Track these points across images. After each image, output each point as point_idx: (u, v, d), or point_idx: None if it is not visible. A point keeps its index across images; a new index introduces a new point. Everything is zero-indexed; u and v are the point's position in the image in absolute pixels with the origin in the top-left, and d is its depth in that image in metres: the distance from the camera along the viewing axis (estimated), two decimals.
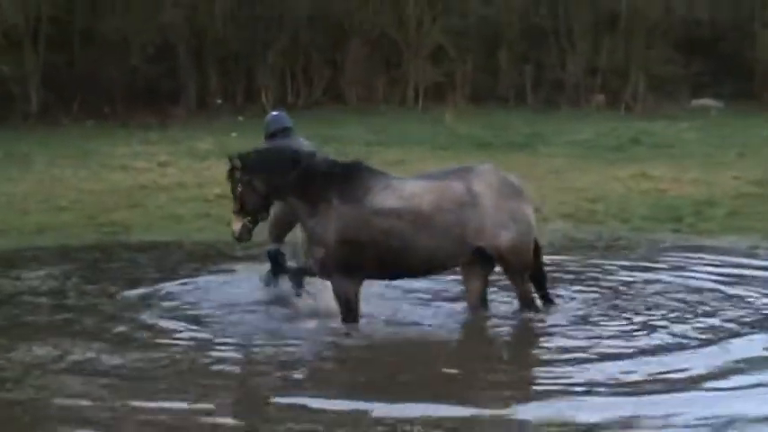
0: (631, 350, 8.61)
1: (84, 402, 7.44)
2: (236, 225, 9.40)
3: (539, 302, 9.77)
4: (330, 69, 28.49)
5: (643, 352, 8.53)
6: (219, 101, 27.58)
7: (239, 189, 9.36)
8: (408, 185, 9.43)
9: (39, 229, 14.04)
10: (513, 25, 29.37)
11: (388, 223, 9.21)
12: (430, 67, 28.60)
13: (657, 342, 8.79)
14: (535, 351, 9.00)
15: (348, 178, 9.34)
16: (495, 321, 9.65)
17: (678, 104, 28.81)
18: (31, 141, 21.14)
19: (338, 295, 9.40)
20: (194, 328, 9.43)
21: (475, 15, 28.92)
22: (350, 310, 9.38)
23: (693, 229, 14.60)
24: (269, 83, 27.84)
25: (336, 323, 9.37)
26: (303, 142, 10.72)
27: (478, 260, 9.47)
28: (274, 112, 11.49)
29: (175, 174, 17.64)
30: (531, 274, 9.68)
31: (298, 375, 8.23)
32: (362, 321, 9.42)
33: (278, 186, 9.32)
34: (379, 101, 28.33)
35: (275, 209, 10.15)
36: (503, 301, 10.07)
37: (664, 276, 11.53)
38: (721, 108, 28.50)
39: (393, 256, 9.28)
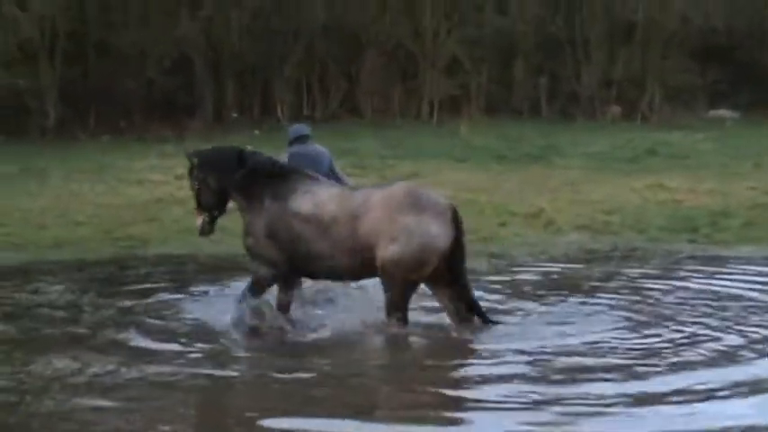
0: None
1: (105, 416, 7.52)
2: (198, 220, 10.16)
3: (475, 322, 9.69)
4: (346, 81, 28.60)
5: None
6: (235, 114, 27.70)
7: (196, 186, 10.10)
8: (323, 193, 9.79)
9: (56, 243, 14.16)
10: (529, 36, 29.41)
11: (300, 227, 9.66)
12: (445, 79, 28.68)
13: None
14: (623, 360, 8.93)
15: (282, 179, 9.86)
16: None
17: (694, 115, 28.83)
18: (47, 156, 21.29)
19: (254, 277, 9.92)
20: (206, 343, 9.52)
21: (490, 26, 28.99)
22: (256, 292, 9.86)
23: (709, 239, 14.65)
24: (285, 96, 27.97)
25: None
26: (318, 149, 11.36)
27: (440, 279, 9.57)
28: (296, 124, 12.45)
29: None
30: (460, 298, 9.65)
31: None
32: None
33: (227, 184, 9.92)
34: (395, 113, 28.42)
35: None
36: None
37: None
38: (737, 118, 28.51)
39: (301, 258, 9.72)
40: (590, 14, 29.35)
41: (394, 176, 19.23)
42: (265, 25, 27.80)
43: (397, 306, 9.49)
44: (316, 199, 9.71)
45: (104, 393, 7.98)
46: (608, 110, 29.06)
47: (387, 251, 9.34)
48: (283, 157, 11.18)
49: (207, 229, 10.17)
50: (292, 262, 9.77)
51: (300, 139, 11.61)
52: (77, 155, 21.79)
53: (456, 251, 9.47)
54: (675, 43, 29.51)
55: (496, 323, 9.76)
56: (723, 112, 28.97)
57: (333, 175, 11.22)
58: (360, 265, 9.56)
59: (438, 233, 9.34)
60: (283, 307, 10.11)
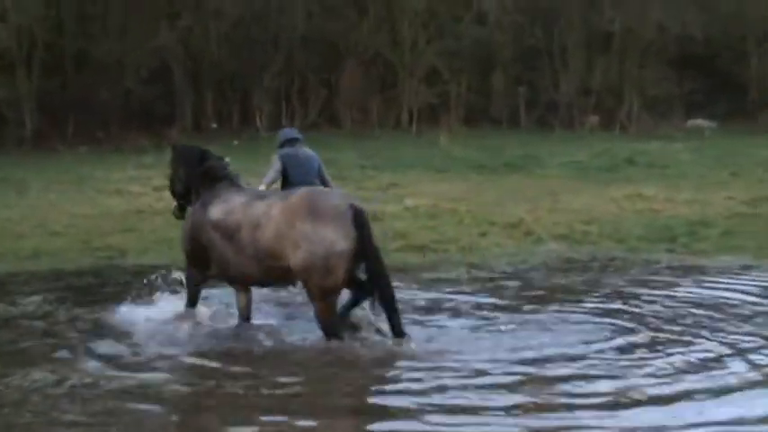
0: None
1: (84, 427, 7.49)
2: (173, 204, 11.00)
3: (386, 331, 9.60)
4: (325, 91, 28.63)
5: None
6: (215, 124, 27.69)
7: (170, 174, 10.95)
8: (235, 200, 10.05)
9: (34, 253, 14.09)
10: (507, 46, 29.50)
11: (212, 234, 10.00)
12: (424, 89, 28.75)
13: None
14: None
15: (214, 185, 10.31)
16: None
17: (672, 124, 28.98)
18: (25, 167, 21.22)
19: (186, 280, 10.46)
20: (184, 353, 9.51)
21: (469, 36, 29.06)
22: (189, 297, 10.37)
23: (688, 249, 14.69)
24: (264, 105, 27.98)
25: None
26: (308, 152, 11.74)
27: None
28: (287, 128, 13.22)
29: (170, 198, 17.66)
30: (379, 302, 9.56)
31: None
32: None
33: (189, 179, 10.53)
34: (374, 124, 28.46)
35: None
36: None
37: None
38: (715, 128, 28.66)
39: (216, 264, 10.05)
40: (567, 24, 29.48)
41: (373, 187, 19.34)
42: (245, 35, 27.81)
43: (326, 316, 9.50)
44: (227, 207, 10.00)
45: (83, 405, 7.96)
46: (586, 120, 29.17)
47: (293, 261, 9.41)
48: (274, 159, 11.55)
49: (177, 215, 10.92)
50: (213, 265, 10.07)
51: (290, 141, 11.89)
52: (55, 165, 21.73)
53: (364, 252, 9.39)
54: (653, 52, 29.69)
55: (404, 335, 9.57)
56: (701, 122, 29.14)
57: (322, 179, 11.55)
58: (265, 272, 9.70)
59: (336, 237, 9.29)
60: (241, 311, 10.30)
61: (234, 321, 10.33)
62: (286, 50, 28.12)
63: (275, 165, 11.84)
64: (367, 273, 9.53)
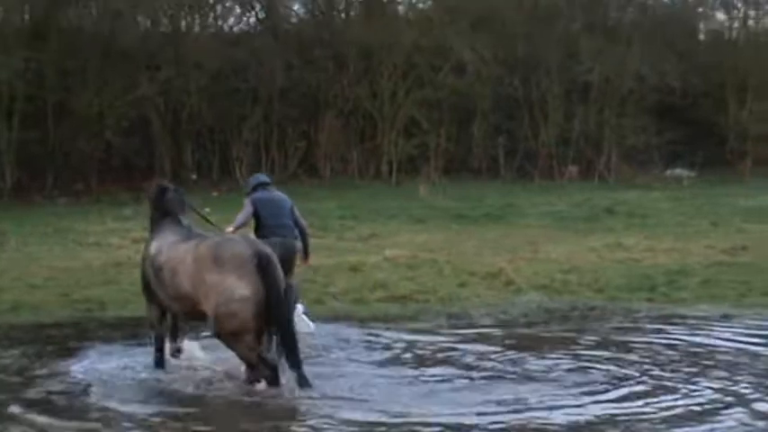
0: None
1: None
2: None
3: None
4: (305, 142, 28.74)
5: None
6: (194, 176, 27.73)
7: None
8: (166, 239, 10.39)
9: (13, 306, 14.05)
10: (486, 96, 29.69)
11: (147, 268, 10.48)
12: (403, 140, 28.90)
13: None
14: None
15: (163, 219, 10.74)
16: None
17: (651, 174, 29.16)
18: (5, 219, 21.18)
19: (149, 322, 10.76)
20: (170, 405, 9.52)
21: (447, 87, 29.26)
22: (153, 329, 10.64)
23: (667, 298, 14.77)
24: (243, 157, 28.06)
25: None
26: (280, 194, 12.46)
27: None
28: (256, 174, 13.58)
29: None
30: (281, 347, 9.84)
31: None
32: None
33: (152, 214, 10.96)
34: (354, 174, 28.57)
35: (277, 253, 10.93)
36: None
37: None
38: (694, 177, 28.87)
39: (156, 299, 10.38)
40: (546, 74, 29.71)
41: (353, 237, 19.41)
42: (224, 87, 27.95)
43: (246, 357, 9.73)
44: (159, 244, 10.39)
45: None
46: (565, 170, 29.34)
47: (206, 308, 9.68)
48: (246, 203, 12.13)
49: None
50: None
51: (262, 185, 12.50)
52: (35, 218, 21.73)
53: (267, 297, 9.56)
54: (631, 102, 29.93)
55: (308, 385, 9.68)
56: (680, 171, 29.35)
57: (293, 219, 12.26)
58: (190, 312, 10.06)
59: (238, 284, 9.51)
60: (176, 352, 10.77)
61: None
62: (265, 102, 28.27)
63: (246, 208, 12.39)
64: (271, 318, 9.67)
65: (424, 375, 10.53)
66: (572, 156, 29.71)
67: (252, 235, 12.00)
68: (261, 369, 9.70)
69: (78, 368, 10.74)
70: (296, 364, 9.73)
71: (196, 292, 9.76)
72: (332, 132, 28.75)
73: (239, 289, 9.52)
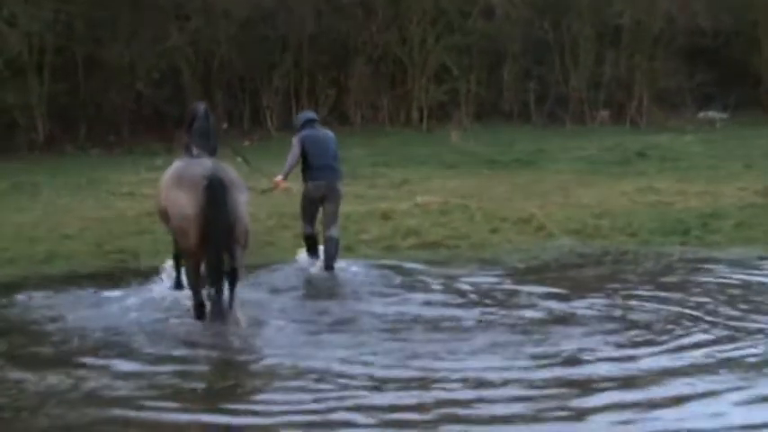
0: None
1: (102, 429, 7.53)
2: None
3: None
4: (335, 90, 28.61)
5: None
6: (225, 125, 27.69)
7: None
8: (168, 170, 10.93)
9: (47, 257, 14.14)
10: (516, 40, 29.44)
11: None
12: (434, 86, 28.73)
13: None
14: None
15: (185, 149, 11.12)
16: None
17: (683, 117, 28.89)
18: (38, 171, 21.28)
19: None
20: (200, 353, 9.57)
21: (477, 32, 29.01)
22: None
23: (701, 241, 14.68)
24: (274, 105, 27.99)
25: None
26: (327, 132, 13.35)
27: None
28: (304, 111, 14.58)
29: None
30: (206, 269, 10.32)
31: None
32: None
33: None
34: (384, 121, 28.46)
35: (303, 199, 12.97)
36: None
37: None
38: (726, 119, 28.58)
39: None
40: (577, 17, 29.39)
41: (385, 184, 19.36)
42: (253, 35, 27.82)
43: (187, 273, 10.62)
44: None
45: (101, 408, 7.99)
46: (597, 115, 29.11)
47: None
48: (294, 143, 12.78)
49: None
50: None
51: (310, 122, 13.09)
52: (67, 169, 21.79)
53: (210, 219, 10.13)
54: (662, 45, 29.58)
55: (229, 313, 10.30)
56: (712, 114, 29.03)
57: (337, 159, 13.10)
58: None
59: (187, 203, 10.21)
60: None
61: None
62: (295, 50, 28.14)
63: (294, 149, 12.72)
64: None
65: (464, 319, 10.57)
66: (603, 100, 29.44)
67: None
68: (192, 295, 10.39)
69: (115, 317, 10.81)
70: (229, 294, 10.35)
71: (165, 210, 10.57)
72: (362, 79, 28.61)
73: (186, 208, 10.21)
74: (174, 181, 10.50)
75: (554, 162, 21.89)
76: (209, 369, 9.16)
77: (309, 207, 13.18)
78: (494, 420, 7.64)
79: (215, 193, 10.16)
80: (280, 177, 13.12)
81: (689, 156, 22.34)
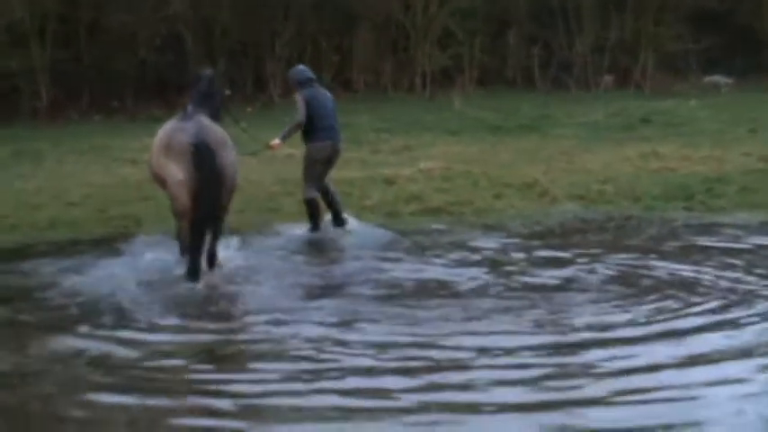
0: None
1: (107, 394, 7.56)
2: None
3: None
4: (338, 56, 28.50)
5: None
6: (228, 92, 27.54)
7: None
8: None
9: (50, 224, 14.15)
10: (521, 6, 29.29)
11: None
12: (437, 51, 28.61)
13: None
14: None
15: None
16: None
17: (688, 82, 28.77)
18: (41, 138, 21.26)
19: None
20: (206, 319, 9.59)
21: None
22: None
23: (705, 206, 14.65)
24: (277, 72, 27.89)
25: None
26: (326, 92, 13.22)
27: None
28: (299, 66, 13.84)
29: None
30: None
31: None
32: None
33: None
34: (387, 87, 28.36)
35: (307, 161, 13.00)
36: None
37: None
38: (732, 84, 28.45)
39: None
40: None
41: (388, 150, 19.32)
42: (256, 2, 27.69)
43: (181, 236, 10.92)
44: None
45: (106, 373, 8.01)
46: (601, 80, 28.99)
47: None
48: (298, 100, 12.76)
49: None
50: None
51: (310, 81, 12.99)
52: (70, 136, 21.76)
53: (200, 183, 10.49)
54: (668, 9, 29.41)
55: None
56: (717, 79, 28.90)
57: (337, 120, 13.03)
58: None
59: (177, 171, 10.55)
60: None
61: None
62: (298, 16, 28.01)
63: (301, 109, 12.53)
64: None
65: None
66: (607, 65, 29.32)
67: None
68: (185, 259, 10.71)
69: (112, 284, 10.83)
70: (210, 252, 10.84)
71: (158, 173, 10.88)
72: (365, 46, 28.49)
73: (178, 175, 10.55)
74: (162, 149, 10.75)
75: (558, 127, 21.83)
76: (206, 336, 9.12)
77: (314, 168, 13.05)
78: (499, 383, 7.60)
79: (202, 158, 10.51)
80: (277, 141, 13.09)
81: (693, 121, 22.25)
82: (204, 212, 10.59)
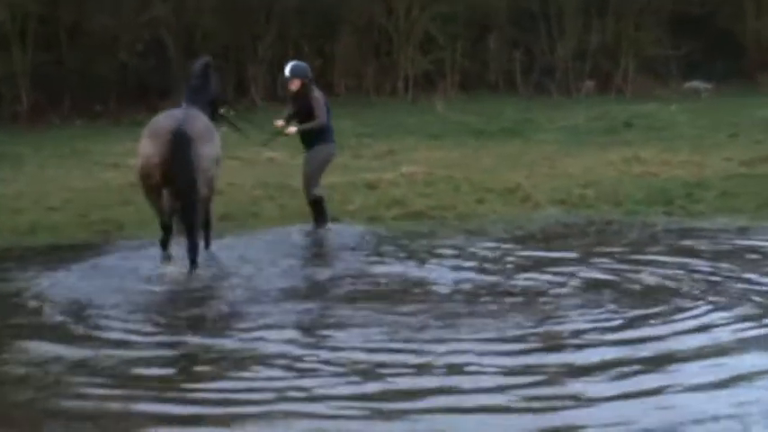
0: None
1: (87, 400, 7.53)
2: None
3: None
4: (320, 60, 28.47)
5: None
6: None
7: None
8: None
9: (31, 228, 14.06)
10: (502, 10, 29.33)
11: None
12: (419, 55, 28.62)
13: None
14: None
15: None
16: None
17: (669, 87, 28.86)
18: (22, 142, 21.17)
19: None
20: (183, 321, 9.56)
21: (463, 1, 28.88)
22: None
23: (685, 211, 14.68)
24: (259, 76, 27.85)
25: None
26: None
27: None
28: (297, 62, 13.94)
29: None
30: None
31: None
32: None
33: None
34: (369, 92, 28.35)
35: (320, 162, 13.29)
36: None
37: None
38: (712, 89, 28.56)
39: None
40: None
41: (370, 154, 19.32)
42: (238, 5, 27.65)
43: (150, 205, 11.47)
44: None
45: (86, 378, 7.97)
46: (582, 86, 29.05)
47: None
48: (319, 97, 13.15)
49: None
50: None
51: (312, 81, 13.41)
52: (52, 140, 21.69)
53: (172, 168, 10.95)
54: (649, 13, 29.50)
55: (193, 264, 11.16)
56: (698, 84, 29.00)
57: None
58: None
59: (152, 152, 11.03)
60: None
61: None
62: (280, 19, 27.98)
63: (323, 109, 13.10)
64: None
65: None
66: (589, 70, 29.39)
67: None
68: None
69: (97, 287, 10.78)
70: (190, 245, 11.11)
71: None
72: (347, 49, 28.47)
73: (153, 157, 11.01)
74: (146, 132, 11.24)
75: (540, 132, 21.88)
76: (186, 339, 9.09)
77: (322, 169, 13.50)
78: (481, 390, 7.60)
79: (177, 147, 10.93)
80: (293, 129, 13.29)
81: (675, 125, 22.34)
82: (184, 195, 11.07)
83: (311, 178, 13.37)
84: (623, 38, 29.41)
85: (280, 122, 13.51)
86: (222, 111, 12.79)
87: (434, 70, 28.79)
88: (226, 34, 27.59)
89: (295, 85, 13.44)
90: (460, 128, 22.48)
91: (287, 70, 13.53)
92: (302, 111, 13.35)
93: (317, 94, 13.24)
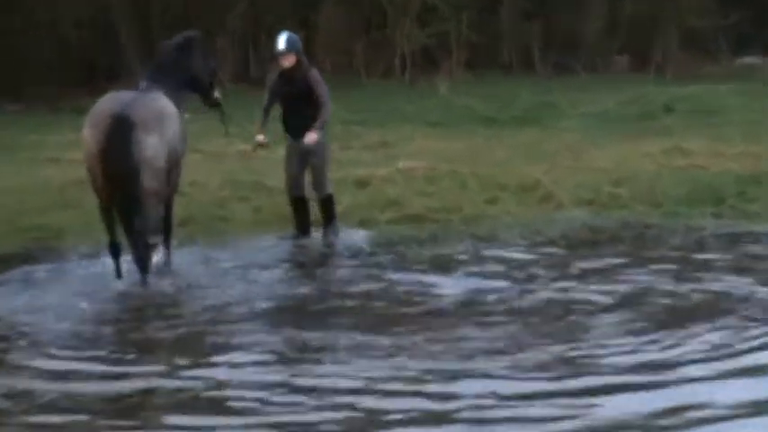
0: None
1: None
2: None
3: None
4: (302, 33, 28.44)
5: None
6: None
7: None
8: None
9: None
10: None
11: None
12: (419, 29, 28.66)
13: None
14: None
15: None
16: None
17: (718, 63, 28.95)
18: None
19: None
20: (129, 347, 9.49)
21: None
22: None
23: (738, 211, 14.67)
24: (228, 53, 27.83)
25: None
26: None
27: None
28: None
29: None
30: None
31: None
32: None
33: None
34: (360, 71, 28.37)
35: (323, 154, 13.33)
36: None
37: None
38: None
39: None
40: None
41: (360, 146, 19.30)
42: None
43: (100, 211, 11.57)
44: None
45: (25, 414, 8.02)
46: (612, 63, 29.14)
47: None
48: (323, 82, 13.24)
49: None
50: None
51: None
52: None
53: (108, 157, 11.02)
54: None
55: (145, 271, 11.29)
56: (752, 59, 29.07)
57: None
58: None
59: (89, 141, 11.16)
60: None
61: None
62: None
63: (326, 94, 13.34)
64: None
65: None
66: (620, 44, 29.46)
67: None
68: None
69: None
70: (136, 255, 11.28)
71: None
72: (332, 21, 28.48)
73: (92, 147, 11.11)
74: (87, 117, 11.36)
75: (562, 119, 21.90)
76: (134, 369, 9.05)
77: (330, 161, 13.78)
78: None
79: (115, 133, 10.98)
80: (314, 135, 13.13)
81: (725, 110, 22.36)
82: (125, 188, 11.10)
83: (323, 171, 13.36)
84: (662, 6, 29.44)
85: (261, 137, 13.31)
86: (217, 95, 12.61)
87: (436, 46, 28.84)
88: (189, 3, 27.57)
89: (289, 61, 13.24)
90: (467, 114, 22.51)
91: (280, 42, 13.17)
92: (295, 93, 13.18)
93: (314, 72, 13.15)
